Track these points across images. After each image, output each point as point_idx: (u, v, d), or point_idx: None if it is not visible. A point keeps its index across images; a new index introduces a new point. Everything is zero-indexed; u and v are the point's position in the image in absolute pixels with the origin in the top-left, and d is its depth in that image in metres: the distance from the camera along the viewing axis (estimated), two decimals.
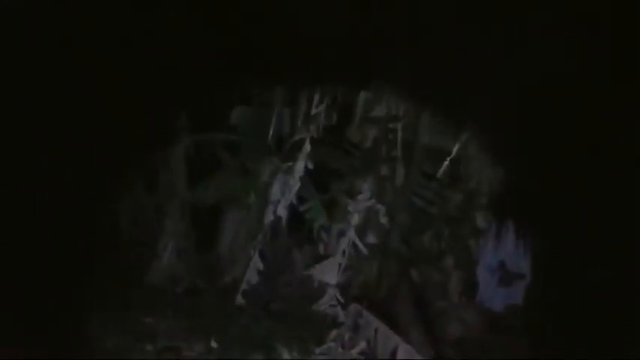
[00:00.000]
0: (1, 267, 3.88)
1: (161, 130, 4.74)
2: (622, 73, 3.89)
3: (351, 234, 4.78)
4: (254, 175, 5.04)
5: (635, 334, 4.04)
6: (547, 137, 4.15)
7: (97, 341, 4.37)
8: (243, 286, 4.76)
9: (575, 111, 4.02)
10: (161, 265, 4.95)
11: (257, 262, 4.79)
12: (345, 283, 4.77)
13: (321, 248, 4.98)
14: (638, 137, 3.98)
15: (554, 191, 4.45)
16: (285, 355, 4.47)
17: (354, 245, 4.78)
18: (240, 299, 4.75)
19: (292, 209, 4.87)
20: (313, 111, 4.90)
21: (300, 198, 4.87)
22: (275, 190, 4.87)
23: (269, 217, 4.87)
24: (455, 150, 4.92)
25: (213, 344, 4.49)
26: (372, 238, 4.85)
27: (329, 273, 4.78)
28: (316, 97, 4.90)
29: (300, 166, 4.78)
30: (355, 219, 4.80)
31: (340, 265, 4.76)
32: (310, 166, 4.79)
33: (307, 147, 4.79)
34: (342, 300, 4.68)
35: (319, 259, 4.90)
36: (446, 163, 4.95)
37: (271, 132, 5.04)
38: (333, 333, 4.52)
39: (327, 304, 4.70)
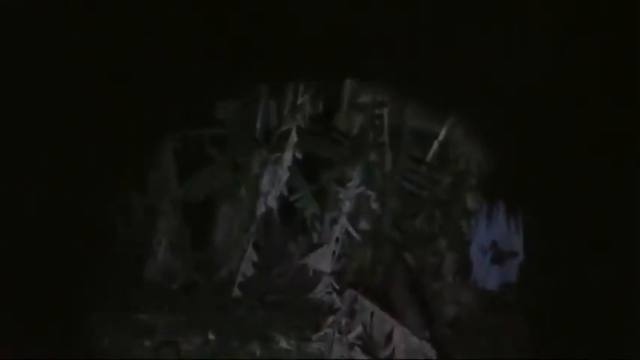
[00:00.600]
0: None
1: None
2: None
3: (344, 221, 4.79)
4: (244, 168, 5.05)
5: (631, 305, 4.09)
6: (541, 129, 4.20)
7: (96, 340, 4.41)
8: (239, 279, 4.78)
9: (569, 108, 4.08)
10: (156, 262, 4.97)
11: (251, 254, 4.81)
12: (340, 270, 4.78)
13: (314, 237, 5.00)
14: (627, 117, 4.03)
15: (543, 170, 4.49)
16: (283, 343, 4.50)
17: (347, 232, 4.79)
18: (236, 291, 4.78)
19: (283, 200, 4.89)
20: (299, 100, 4.92)
21: (291, 188, 4.87)
22: (265, 182, 4.89)
23: (261, 209, 4.89)
24: (443, 133, 4.95)
25: (211, 336, 4.52)
26: (364, 225, 4.86)
27: (323, 261, 4.80)
28: (301, 87, 4.92)
29: (288, 157, 4.79)
30: (347, 206, 4.81)
31: (334, 252, 4.77)
32: (299, 155, 4.80)
33: (294, 136, 4.80)
34: (337, 287, 4.69)
35: (313, 248, 4.92)
36: (434, 146, 4.98)
37: (258, 124, 5.07)
38: (330, 319, 4.54)
39: (322, 291, 4.71)
